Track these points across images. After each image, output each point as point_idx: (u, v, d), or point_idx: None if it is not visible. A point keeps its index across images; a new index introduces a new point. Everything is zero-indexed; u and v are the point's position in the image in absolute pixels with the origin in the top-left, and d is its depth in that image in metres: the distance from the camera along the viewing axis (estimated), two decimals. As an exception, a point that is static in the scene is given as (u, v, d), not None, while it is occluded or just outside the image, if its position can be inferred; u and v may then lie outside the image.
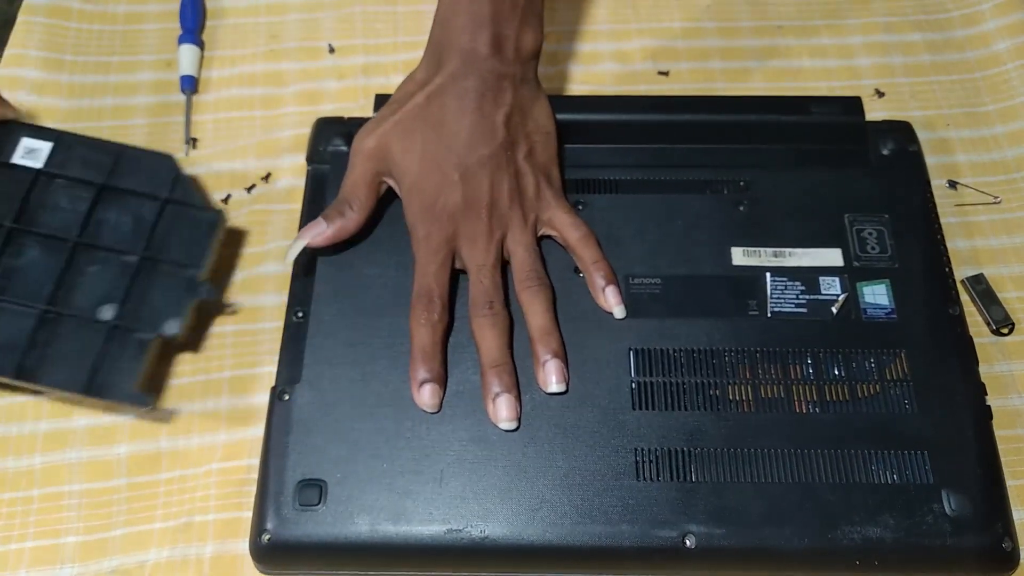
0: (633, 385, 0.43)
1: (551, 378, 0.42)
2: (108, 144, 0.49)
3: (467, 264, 0.45)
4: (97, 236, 0.47)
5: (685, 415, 0.42)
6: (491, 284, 0.44)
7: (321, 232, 0.45)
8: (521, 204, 0.46)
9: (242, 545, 0.42)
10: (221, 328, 0.50)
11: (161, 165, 0.48)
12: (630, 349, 0.44)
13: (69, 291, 0.45)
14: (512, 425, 0.42)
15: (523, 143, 0.46)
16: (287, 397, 0.43)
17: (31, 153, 0.48)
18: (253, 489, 0.42)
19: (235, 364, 0.48)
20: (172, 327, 0.45)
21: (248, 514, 0.43)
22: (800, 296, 0.46)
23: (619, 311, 0.45)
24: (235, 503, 0.44)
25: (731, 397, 0.43)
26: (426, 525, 0.40)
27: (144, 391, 0.44)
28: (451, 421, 0.42)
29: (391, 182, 0.47)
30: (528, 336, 0.44)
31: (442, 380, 0.43)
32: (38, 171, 0.48)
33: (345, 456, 0.42)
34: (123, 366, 0.44)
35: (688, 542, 0.39)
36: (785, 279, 0.46)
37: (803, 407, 0.43)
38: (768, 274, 0.46)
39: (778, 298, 0.46)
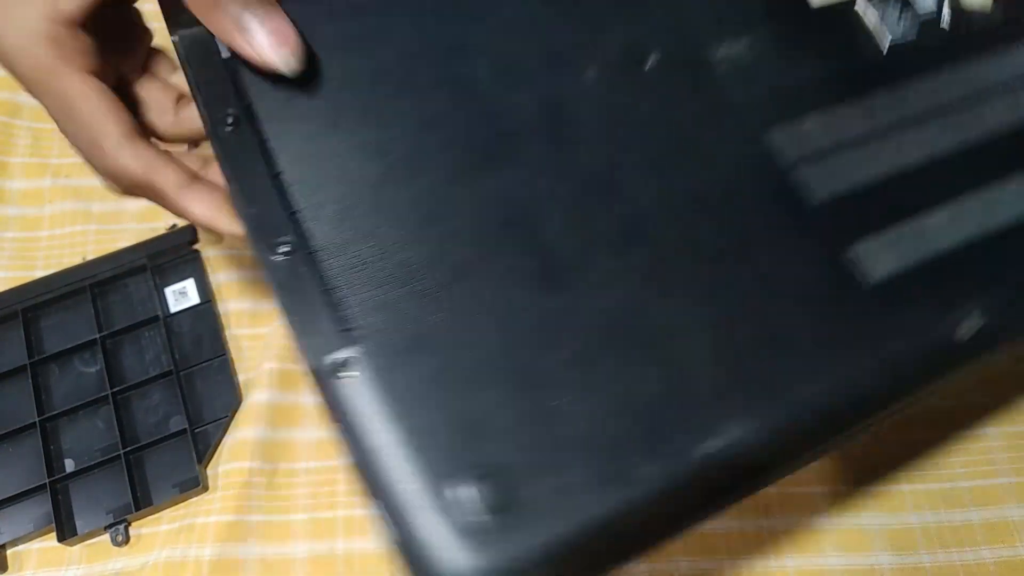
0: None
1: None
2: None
3: None
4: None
5: None
6: None
7: None
8: None
9: (241, 547, 0.43)
10: (223, 331, 0.50)
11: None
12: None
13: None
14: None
15: None
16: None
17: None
18: (253, 490, 0.42)
19: (234, 365, 0.49)
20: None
21: (247, 515, 0.43)
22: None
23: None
24: (235, 504, 0.44)
25: None
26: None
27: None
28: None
29: None
30: None
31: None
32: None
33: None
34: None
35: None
36: None
37: None
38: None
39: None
